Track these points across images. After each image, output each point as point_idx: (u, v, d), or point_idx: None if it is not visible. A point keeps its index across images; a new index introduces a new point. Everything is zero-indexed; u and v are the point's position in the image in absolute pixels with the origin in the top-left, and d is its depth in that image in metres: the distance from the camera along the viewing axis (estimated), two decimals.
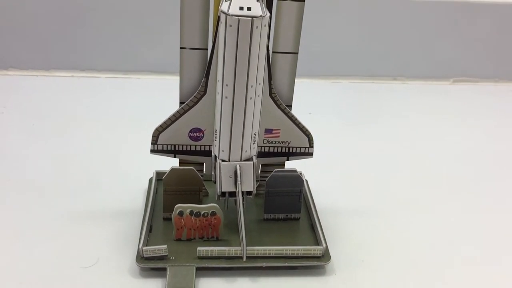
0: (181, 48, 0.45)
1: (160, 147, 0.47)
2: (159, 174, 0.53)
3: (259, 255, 0.45)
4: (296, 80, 0.48)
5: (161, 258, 0.44)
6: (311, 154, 0.49)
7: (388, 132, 0.73)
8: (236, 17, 0.39)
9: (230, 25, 0.40)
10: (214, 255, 0.44)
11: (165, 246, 0.44)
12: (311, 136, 0.48)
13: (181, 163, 0.49)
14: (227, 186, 0.45)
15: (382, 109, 0.80)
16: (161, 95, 0.75)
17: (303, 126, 0.48)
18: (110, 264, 0.45)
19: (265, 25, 0.40)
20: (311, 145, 0.48)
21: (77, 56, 0.83)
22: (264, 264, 0.44)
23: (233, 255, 0.44)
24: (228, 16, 0.39)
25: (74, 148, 0.62)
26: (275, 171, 0.48)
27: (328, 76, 0.89)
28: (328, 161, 0.62)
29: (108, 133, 0.67)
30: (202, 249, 0.44)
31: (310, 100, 0.78)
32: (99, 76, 0.84)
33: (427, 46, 0.90)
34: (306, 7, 0.45)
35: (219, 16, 0.41)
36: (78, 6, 0.80)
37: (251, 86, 0.42)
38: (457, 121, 0.78)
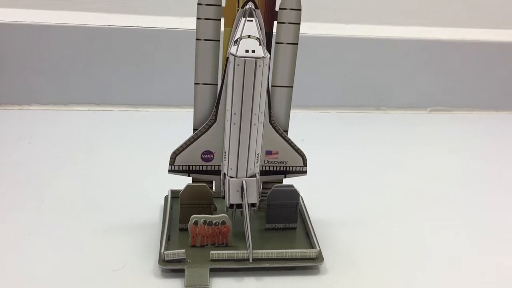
0: (195, 83, 0.50)
1: (176, 168, 0.52)
2: (173, 192, 0.58)
3: (263, 257, 0.49)
4: (290, 111, 0.52)
5: (179, 261, 0.48)
6: (305, 172, 0.54)
7: (372, 156, 0.77)
8: (243, 58, 0.45)
9: (238, 65, 0.45)
10: (225, 258, 0.49)
11: (183, 250, 0.48)
12: (305, 156, 0.53)
13: (193, 181, 0.53)
14: (235, 199, 0.50)
15: (366, 135, 0.84)
16: (168, 125, 0.81)
17: (298, 148, 0.52)
18: (136, 267, 0.49)
19: (266, 64, 0.46)
20: (305, 164, 0.53)
21: (92, 92, 0.87)
22: (267, 265, 0.49)
23: (240, 257, 0.49)
24: (236, 57, 0.45)
25: (95, 172, 0.67)
26: (275, 186, 0.53)
27: (318, 107, 0.93)
28: (320, 179, 0.66)
29: (122, 159, 0.71)
30: (215, 253, 0.49)
31: (303, 128, 0.80)
32: (112, 109, 0.87)
33: (406, 79, 0.94)
34: (299, 48, 0.50)
35: (227, 57, 0.46)
36: (93, 48, 0.84)
37: (255, 114, 0.47)
38: (434, 146, 0.82)
